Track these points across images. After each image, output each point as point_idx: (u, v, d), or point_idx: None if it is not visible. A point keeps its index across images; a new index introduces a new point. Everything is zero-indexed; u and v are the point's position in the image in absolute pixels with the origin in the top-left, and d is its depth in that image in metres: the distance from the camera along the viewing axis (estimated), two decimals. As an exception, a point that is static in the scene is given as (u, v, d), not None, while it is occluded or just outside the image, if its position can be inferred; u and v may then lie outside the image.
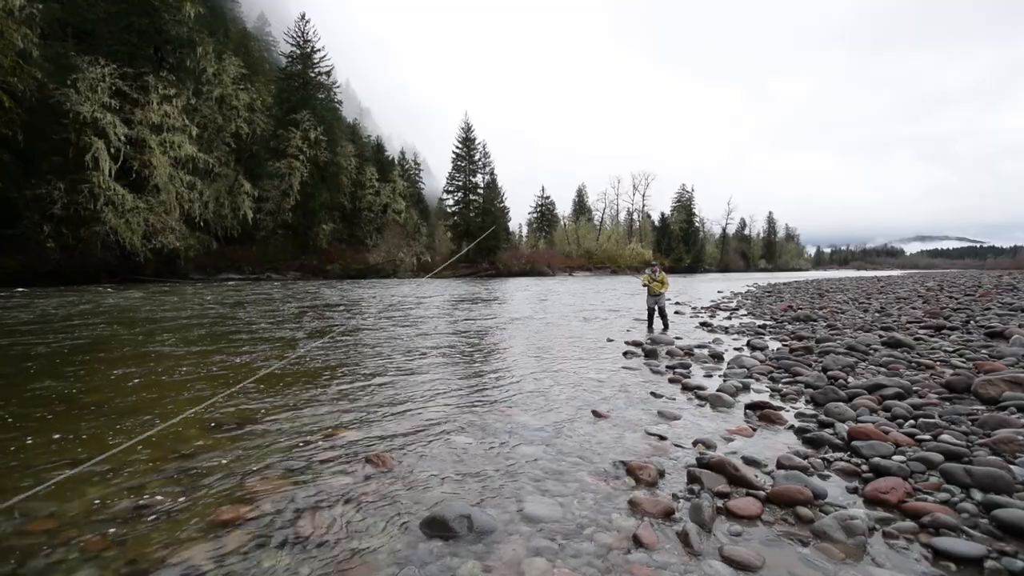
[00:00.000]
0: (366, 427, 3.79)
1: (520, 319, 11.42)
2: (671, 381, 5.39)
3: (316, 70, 45.28)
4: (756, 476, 2.87)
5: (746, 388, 4.95)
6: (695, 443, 3.46)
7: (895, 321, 9.32)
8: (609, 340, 8.16)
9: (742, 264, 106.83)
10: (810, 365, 5.82)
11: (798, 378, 5.20)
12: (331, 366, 5.97)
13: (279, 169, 39.92)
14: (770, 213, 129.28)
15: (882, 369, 5.40)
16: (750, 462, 3.10)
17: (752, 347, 7.35)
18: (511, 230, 75.29)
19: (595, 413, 4.12)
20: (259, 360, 6.29)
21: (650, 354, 6.74)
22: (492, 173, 58.56)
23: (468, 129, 56.23)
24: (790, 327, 9.47)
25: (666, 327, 9.57)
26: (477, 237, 53.44)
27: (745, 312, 13.15)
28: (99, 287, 23.18)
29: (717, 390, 4.77)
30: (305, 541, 2.24)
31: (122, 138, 27.20)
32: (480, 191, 56.69)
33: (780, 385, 5.05)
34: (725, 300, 17.88)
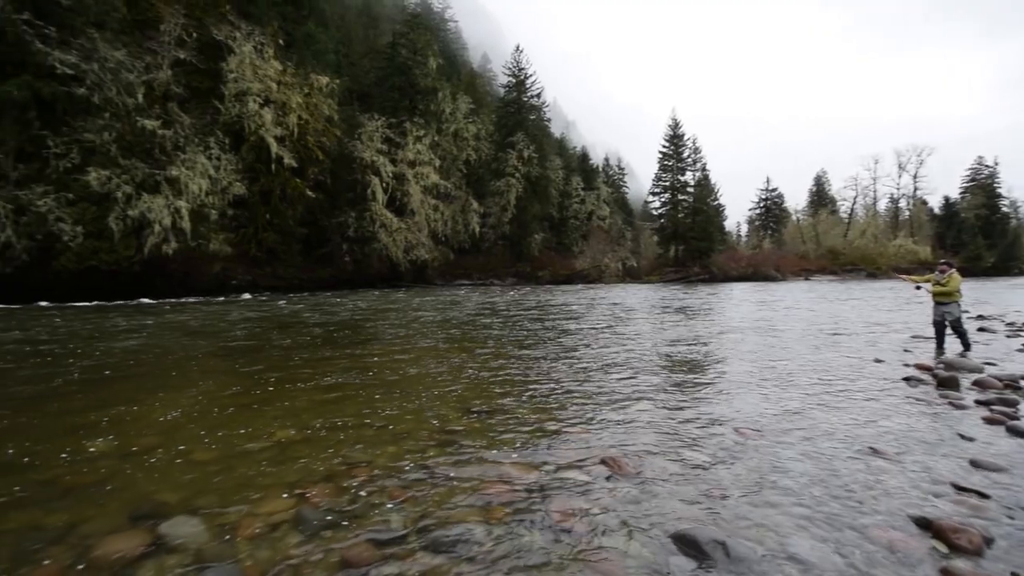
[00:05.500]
0: (596, 428, 3.87)
1: (746, 330, 10.17)
2: (987, 421, 4.02)
3: (528, 94, 49.62)
4: None
5: None
6: (1049, 511, 2.48)
7: None
8: (877, 361, 6.54)
9: (1093, 262, 73.64)
10: None
11: None
12: (558, 366, 6.33)
13: (499, 187, 45.13)
14: None
15: None
16: None
17: None
18: (727, 229, 68.32)
19: (873, 450, 3.33)
20: (494, 355, 7.10)
21: (946, 383, 5.15)
22: (703, 169, 54.36)
23: (676, 126, 53.42)
24: None
25: (966, 347, 7.23)
26: (686, 239, 50.35)
27: (1113, 332, 8.99)
28: (374, 291, 29.91)
29: (1079, 441, 3.35)
30: (555, 526, 2.40)
31: (390, 174, 34.82)
32: (690, 190, 53.14)
33: None
34: (1068, 313, 12.56)
